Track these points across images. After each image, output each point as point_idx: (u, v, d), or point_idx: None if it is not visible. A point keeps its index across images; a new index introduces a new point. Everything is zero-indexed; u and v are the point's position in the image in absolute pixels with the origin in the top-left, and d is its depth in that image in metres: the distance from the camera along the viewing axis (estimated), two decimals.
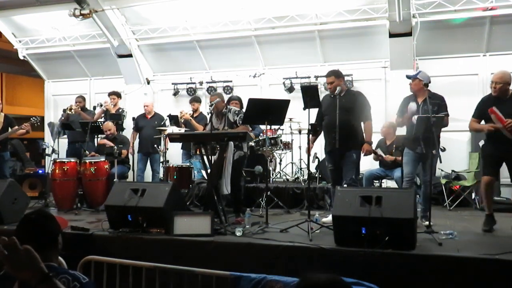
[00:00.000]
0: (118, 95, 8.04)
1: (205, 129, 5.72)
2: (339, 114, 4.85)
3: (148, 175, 7.83)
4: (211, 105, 5.17)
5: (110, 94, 7.98)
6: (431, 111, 4.37)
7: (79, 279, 1.90)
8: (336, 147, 4.90)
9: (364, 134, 5.00)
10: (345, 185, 5.04)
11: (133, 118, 7.41)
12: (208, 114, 5.23)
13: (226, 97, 6.10)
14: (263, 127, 6.27)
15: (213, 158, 5.03)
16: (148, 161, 7.54)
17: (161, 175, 7.88)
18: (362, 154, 4.96)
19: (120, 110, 7.82)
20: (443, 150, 4.40)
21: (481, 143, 4.80)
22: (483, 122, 4.62)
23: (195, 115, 7.43)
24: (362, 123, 5.03)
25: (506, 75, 4.46)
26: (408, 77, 4.89)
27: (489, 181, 4.55)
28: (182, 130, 7.09)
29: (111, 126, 6.90)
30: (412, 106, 4.70)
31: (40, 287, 1.38)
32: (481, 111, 4.57)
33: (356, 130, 4.96)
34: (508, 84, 4.44)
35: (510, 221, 4.62)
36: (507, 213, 5.28)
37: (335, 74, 5.02)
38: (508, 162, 4.51)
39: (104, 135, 7.04)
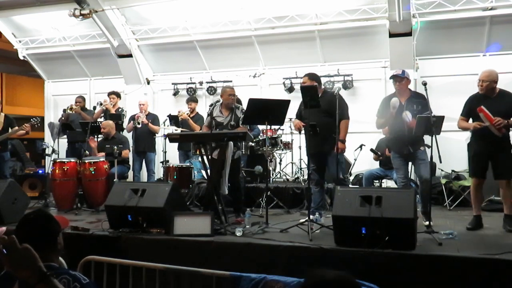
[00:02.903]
0: (117, 95, 8.04)
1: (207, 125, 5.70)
2: (320, 116, 4.81)
3: (144, 176, 7.85)
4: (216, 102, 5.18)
5: (109, 94, 7.98)
6: (430, 111, 4.36)
7: (79, 280, 1.89)
8: (321, 148, 4.91)
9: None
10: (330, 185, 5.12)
11: (131, 118, 7.44)
12: (211, 106, 5.26)
13: None
14: (262, 127, 6.27)
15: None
16: (144, 161, 7.53)
17: (157, 175, 7.90)
18: (336, 153, 4.88)
19: (120, 110, 7.81)
20: (429, 147, 4.41)
21: (467, 141, 4.84)
22: (471, 120, 4.68)
23: (191, 115, 7.48)
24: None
25: (493, 74, 4.55)
26: (393, 77, 4.79)
27: (477, 183, 4.65)
28: (179, 130, 7.10)
29: (109, 124, 6.89)
30: (395, 101, 4.64)
31: (39, 287, 1.39)
32: (469, 109, 4.64)
33: (336, 131, 4.89)
34: (495, 82, 4.52)
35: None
36: None
37: (309, 76, 5.05)
38: (492, 159, 4.55)
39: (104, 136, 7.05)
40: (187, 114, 7.35)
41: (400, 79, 4.76)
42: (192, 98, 7.81)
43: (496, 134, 4.37)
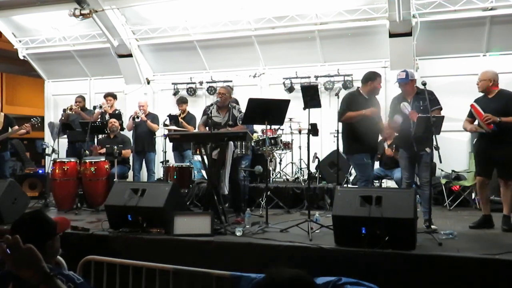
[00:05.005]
0: (114, 96, 7.99)
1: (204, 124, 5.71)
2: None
3: (144, 176, 7.83)
4: (215, 102, 5.25)
5: (106, 95, 7.93)
6: (428, 108, 4.33)
7: (73, 280, 1.89)
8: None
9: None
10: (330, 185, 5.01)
11: (131, 117, 7.45)
12: (211, 106, 5.32)
13: None
14: (262, 127, 6.25)
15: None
16: (144, 161, 7.52)
17: (157, 175, 7.89)
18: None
19: (117, 112, 7.79)
20: (437, 148, 4.40)
21: (469, 141, 4.89)
22: (476, 122, 4.71)
23: (183, 116, 7.52)
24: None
25: (488, 73, 4.67)
26: (400, 81, 4.75)
27: (481, 182, 4.68)
28: (173, 127, 7.16)
29: (117, 120, 7.00)
30: (398, 119, 4.65)
31: (41, 287, 1.39)
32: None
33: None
34: (490, 81, 4.61)
35: None
36: None
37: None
38: (495, 159, 4.56)
39: (105, 135, 7.07)
40: (179, 116, 7.43)
41: (404, 83, 4.74)
42: (182, 100, 7.79)
43: (486, 130, 4.46)
